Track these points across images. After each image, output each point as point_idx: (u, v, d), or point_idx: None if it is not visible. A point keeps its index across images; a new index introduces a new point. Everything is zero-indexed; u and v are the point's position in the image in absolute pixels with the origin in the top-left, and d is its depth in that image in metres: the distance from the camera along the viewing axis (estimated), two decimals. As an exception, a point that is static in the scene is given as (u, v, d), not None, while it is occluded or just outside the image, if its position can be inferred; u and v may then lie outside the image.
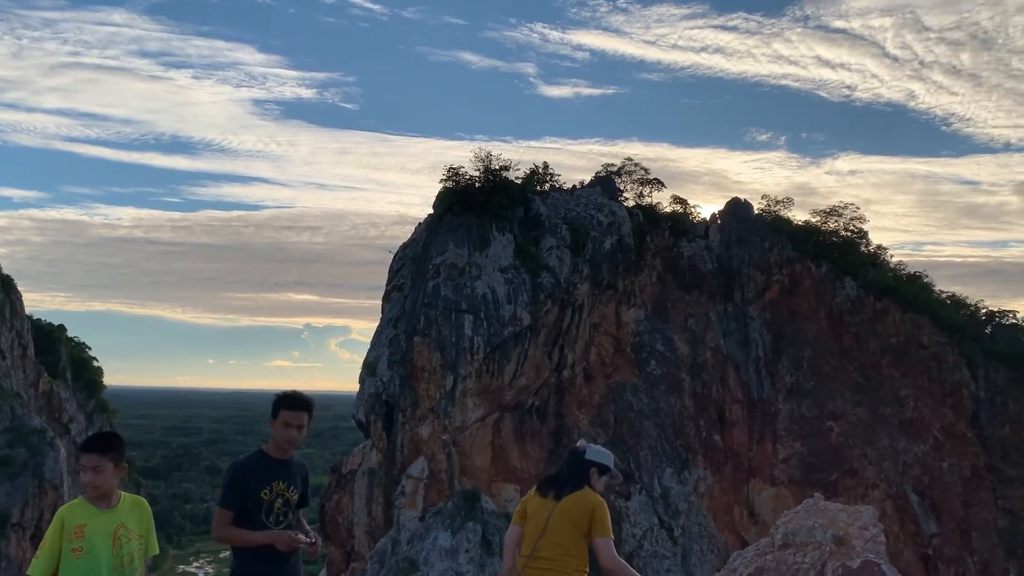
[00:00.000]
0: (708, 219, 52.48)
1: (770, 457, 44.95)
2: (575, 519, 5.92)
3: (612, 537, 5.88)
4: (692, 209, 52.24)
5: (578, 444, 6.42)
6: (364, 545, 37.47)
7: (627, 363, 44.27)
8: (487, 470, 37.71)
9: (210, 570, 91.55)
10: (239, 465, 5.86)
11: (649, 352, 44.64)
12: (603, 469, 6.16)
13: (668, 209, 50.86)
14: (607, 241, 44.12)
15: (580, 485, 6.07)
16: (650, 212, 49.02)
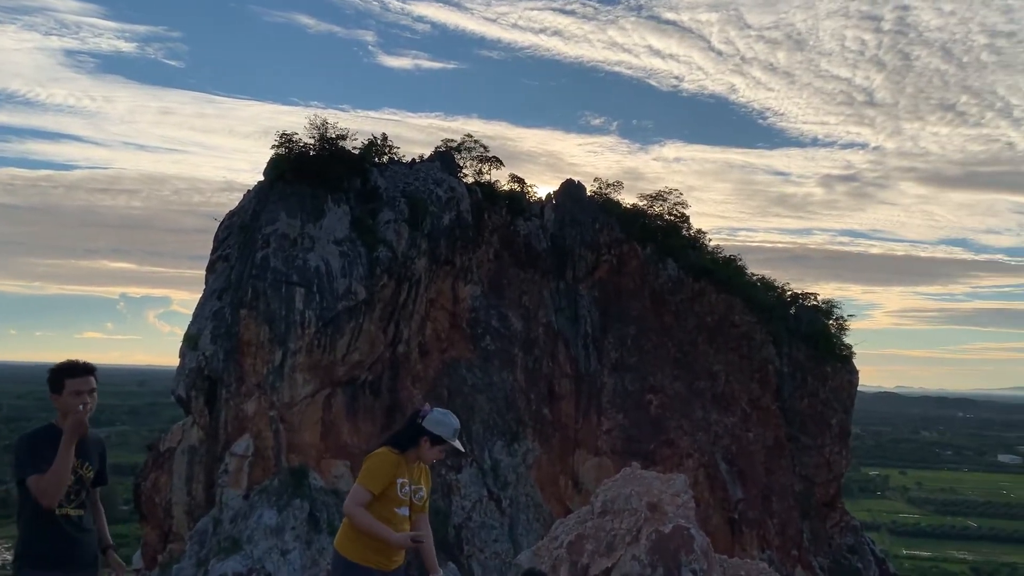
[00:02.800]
0: (544, 199, 53.55)
1: (595, 429, 46.81)
2: None
3: (368, 488, 5.67)
4: (529, 188, 53.08)
5: (423, 408, 6.08)
6: (183, 525, 35.74)
7: (463, 338, 44.59)
8: (316, 446, 36.89)
9: (8, 557, 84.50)
10: (32, 435, 5.40)
11: (484, 328, 45.17)
12: (435, 439, 5.82)
13: (506, 187, 51.38)
14: (446, 217, 44.03)
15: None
16: (488, 190, 49.32)
